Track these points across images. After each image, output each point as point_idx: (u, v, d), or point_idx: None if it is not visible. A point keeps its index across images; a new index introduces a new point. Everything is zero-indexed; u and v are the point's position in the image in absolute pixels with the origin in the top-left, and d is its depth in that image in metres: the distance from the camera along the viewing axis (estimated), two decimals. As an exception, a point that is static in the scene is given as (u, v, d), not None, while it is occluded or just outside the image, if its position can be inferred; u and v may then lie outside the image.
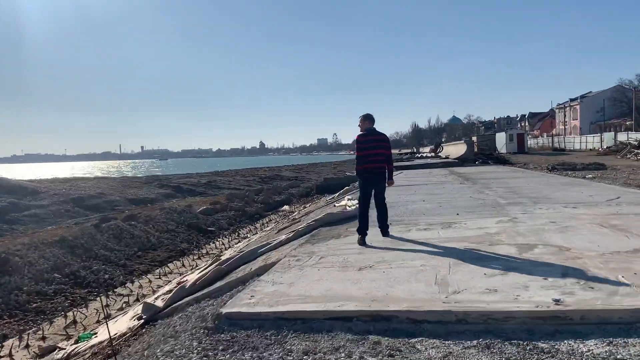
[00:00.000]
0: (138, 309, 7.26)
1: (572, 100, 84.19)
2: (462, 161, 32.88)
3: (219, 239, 16.46)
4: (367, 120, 7.19)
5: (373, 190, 7.29)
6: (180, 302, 6.46)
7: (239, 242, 15.30)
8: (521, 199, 11.00)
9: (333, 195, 20.25)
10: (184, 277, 10.36)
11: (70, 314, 8.80)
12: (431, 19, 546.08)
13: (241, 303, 4.42)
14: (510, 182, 15.95)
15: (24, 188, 26.01)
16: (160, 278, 11.22)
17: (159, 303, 6.81)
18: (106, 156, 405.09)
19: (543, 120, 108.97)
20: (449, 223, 8.10)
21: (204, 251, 14.38)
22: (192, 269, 11.93)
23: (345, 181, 29.34)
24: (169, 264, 12.76)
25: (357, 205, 7.75)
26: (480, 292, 4.16)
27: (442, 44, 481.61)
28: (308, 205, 23.75)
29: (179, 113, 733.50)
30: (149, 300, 7.48)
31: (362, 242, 6.87)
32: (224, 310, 4.26)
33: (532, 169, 26.11)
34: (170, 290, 7.93)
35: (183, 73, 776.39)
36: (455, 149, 41.13)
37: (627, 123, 66.98)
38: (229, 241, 15.74)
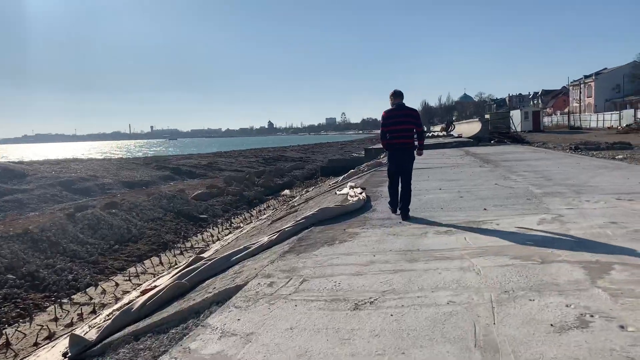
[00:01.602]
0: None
1: (586, 77, 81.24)
2: (476, 140, 30.90)
3: (210, 229, 14.82)
4: (395, 96, 7.06)
5: (399, 166, 7.25)
6: (117, 335, 4.81)
7: (230, 232, 13.64)
8: (558, 187, 9.17)
9: (337, 179, 18.50)
10: (153, 282, 8.72)
11: (10, 329, 7.20)
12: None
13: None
14: (537, 164, 14.07)
15: (9, 171, 24.48)
16: (130, 280, 9.59)
17: (93, 333, 5.16)
18: (116, 136, 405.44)
19: (556, 98, 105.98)
20: (477, 223, 6.32)
21: (189, 244, 12.74)
22: (169, 268, 10.30)
23: (351, 163, 27.59)
24: (146, 261, 11.14)
25: (361, 194, 7.92)
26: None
27: (453, 21, 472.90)
28: (311, 189, 22.05)
29: (188, 93, 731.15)
30: (79, 331, 5.81)
31: (395, 212, 7.34)
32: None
33: (554, 149, 24.12)
34: (121, 309, 6.28)
35: (192, 53, 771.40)
36: (469, 128, 39.05)
37: (647, 100, 64.16)
38: (219, 231, 14.07)
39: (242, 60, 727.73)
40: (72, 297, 8.70)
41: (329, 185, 18.20)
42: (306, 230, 6.76)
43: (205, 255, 10.40)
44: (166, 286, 5.79)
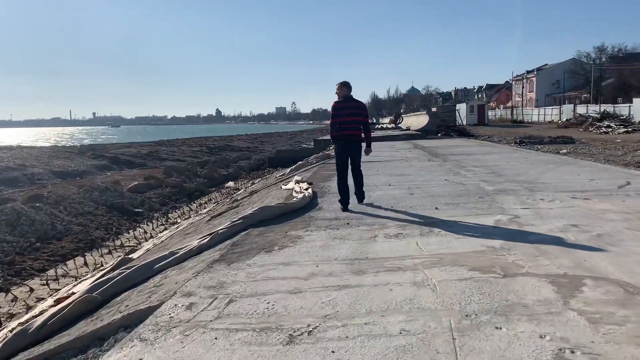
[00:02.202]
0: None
1: (528, 72, 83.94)
2: (424, 133, 30.90)
3: (144, 224, 13.79)
4: (345, 87, 7.04)
5: (349, 158, 7.19)
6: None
7: (166, 229, 12.68)
8: (510, 184, 8.83)
9: (285, 171, 17.79)
10: (72, 287, 7.77)
11: None
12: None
13: None
14: (485, 159, 13.87)
15: None
16: (47, 285, 8.56)
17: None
18: (55, 122, 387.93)
19: (500, 92, 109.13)
20: (429, 224, 5.79)
21: (120, 241, 11.71)
22: (94, 270, 9.31)
23: (300, 154, 26.92)
24: (69, 262, 10.07)
25: (307, 190, 7.56)
26: None
27: (402, 14, 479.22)
28: (257, 181, 21.24)
29: (132, 78, 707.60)
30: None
31: (345, 210, 7.01)
32: None
33: (500, 143, 24.33)
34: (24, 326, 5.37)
35: (138, 38, 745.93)
36: (416, 120, 39.17)
37: (584, 96, 66.79)
38: (154, 227, 13.08)
39: (190, 47, 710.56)
40: (-25, 306, 7.62)
41: (276, 177, 17.47)
42: (243, 233, 6.03)
43: (134, 255, 9.48)
44: (74, 300, 4.95)
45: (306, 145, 31.56)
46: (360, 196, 7.37)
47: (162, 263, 5.43)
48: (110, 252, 10.69)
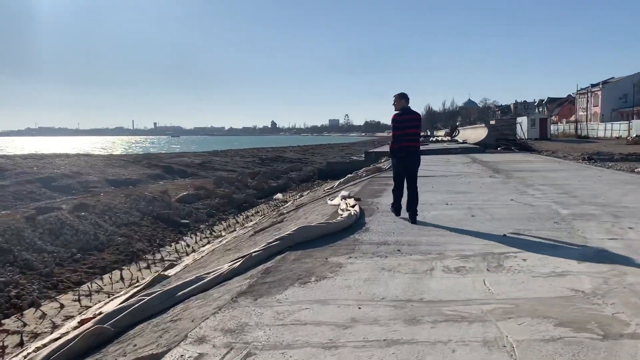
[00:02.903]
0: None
1: (593, 85, 79.81)
2: (482, 147, 29.45)
3: (188, 236, 13.40)
4: (403, 98, 6.99)
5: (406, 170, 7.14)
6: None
7: (209, 242, 12.19)
8: (587, 207, 7.72)
9: (333, 184, 17.08)
10: (102, 305, 7.29)
11: None
12: (447, 1, 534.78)
13: None
14: (553, 177, 12.62)
15: (-13, 165, 23.12)
16: (79, 301, 8.16)
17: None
18: (119, 131, 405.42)
19: (562, 106, 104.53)
20: (497, 256, 4.88)
21: (161, 254, 11.30)
22: (128, 286, 8.87)
23: (350, 166, 26.20)
24: (106, 275, 9.71)
25: (354, 208, 7.43)
26: None
27: (458, 26, 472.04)
28: (306, 193, 20.63)
29: (192, 90, 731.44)
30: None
31: (398, 215, 7.28)
32: None
33: (565, 159, 22.68)
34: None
35: (198, 51, 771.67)
36: (474, 133, 37.59)
37: (657, 111, 62.60)
38: (197, 240, 12.63)
39: (248, 60, 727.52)
40: (3, 321, 7.26)
41: (324, 190, 16.77)
42: (279, 257, 5.32)
43: (171, 272, 8.97)
44: (84, 331, 4.37)
45: (357, 158, 30.80)
46: (413, 216, 6.97)
47: (187, 290, 4.79)
48: (148, 267, 10.26)
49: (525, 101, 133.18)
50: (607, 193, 9.28)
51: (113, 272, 9.87)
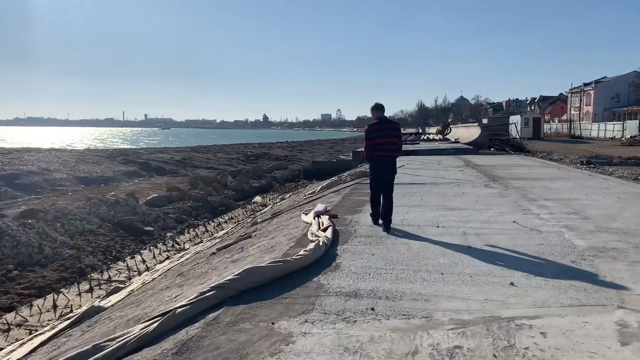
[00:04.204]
0: None
1: (585, 85, 78.97)
2: (475, 147, 28.18)
3: (148, 248, 11.98)
4: (376, 109, 7.14)
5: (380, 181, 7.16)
6: None
7: (168, 257, 10.78)
8: (606, 235, 6.40)
9: (315, 188, 15.72)
10: (11, 351, 5.87)
11: None
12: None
13: None
14: (556, 187, 11.33)
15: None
16: (7, 331, 6.75)
17: None
18: (109, 122, 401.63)
19: (554, 105, 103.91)
20: (504, 324, 3.53)
21: (112, 272, 9.88)
22: (59, 317, 7.45)
23: (337, 166, 24.85)
24: (40, 300, 8.28)
25: (325, 233, 6.47)
26: None
27: (451, 22, 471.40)
28: (287, 196, 19.25)
29: (183, 83, 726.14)
30: None
31: (376, 224, 7.22)
32: None
33: (562, 161, 21.48)
34: None
35: (190, 44, 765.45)
36: (466, 132, 36.32)
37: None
38: (155, 255, 11.19)
39: (240, 54, 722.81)
40: None
41: (305, 195, 15.41)
42: (211, 316, 3.95)
43: (110, 300, 7.58)
44: None
45: (344, 157, 29.43)
46: (387, 224, 7.00)
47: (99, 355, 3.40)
48: (91, 289, 8.84)
49: (517, 99, 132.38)
50: (623, 213, 7.97)
51: (49, 296, 8.45)
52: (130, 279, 9.33)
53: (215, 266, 7.10)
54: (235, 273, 4.53)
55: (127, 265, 10.22)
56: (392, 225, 7.00)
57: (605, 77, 79.74)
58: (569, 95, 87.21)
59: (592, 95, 77.27)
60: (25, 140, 74.74)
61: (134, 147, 52.11)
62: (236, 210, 17.67)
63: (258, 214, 15.40)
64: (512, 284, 4.48)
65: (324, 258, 5.49)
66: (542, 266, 5.02)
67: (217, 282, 4.40)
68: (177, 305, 4.12)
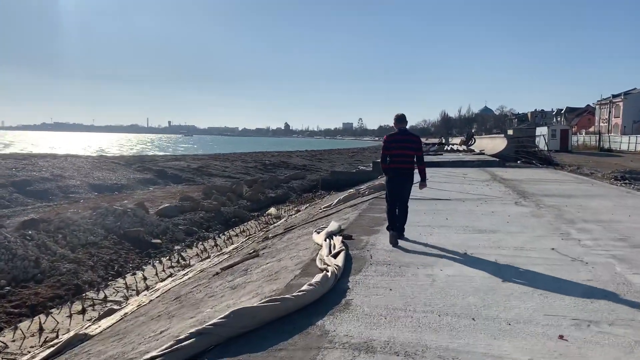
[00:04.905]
0: None
1: (614, 96, 76.78)
2: (501, 159, 27.07)
3: (151, 264, 11.32)
4: (397, 121, 7.13)
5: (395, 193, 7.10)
6: None
7: (171, 276, 10.07)
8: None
9: (332, 200, 14.94)
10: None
11: None
12: (466, 6, 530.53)
13: None
14: (594, 207, 10.33)
15: (-40, 165, 21.32)
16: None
17: None
18: (133, 129, 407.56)
19: (580, 116, 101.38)
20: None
21: (106, 292, 9.20)
22: (42, 343, 6.77)
23: (356, 177, 24.08)
24: (26, 322, 7.64)
25: (336, 260, 5.60)
26: None
27: (476, 32, 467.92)
28: (304, 208, 18.50)
29: (207, 89, 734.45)
30: None
31: (393, 242, 6.74)
32: None
33: (593, 176, 20.28)
34: None
35: (214, 52, 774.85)
36: (491, 143, 35.17)
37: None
38: (158, 272, 10.50)
39: (263, 62, 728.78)
40: None
41: (320, 209, 14.63)
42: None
43: (99, 327, 6.89)
44: None
45: (364, 167, 28.58)
46: (401, 232, 7.10)
47: None
48: (84, 310, 8.17)
49: (542, 110, 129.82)
50: (678, 240, 7.00)
51: (36, 318, 7.79)
52: (127, 299, 8.65)
53: (214, 292, 6.35)
54: (222, 315, 3.75)
55: (126, 283, 9.54)
56: (415, 249, 6.24)
57: (635, 88, 77.47)
58: (597, 106, 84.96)
59: (621, 107, 75.08)
60: (56, 145, 75.94)
61: (162, 153, 52.05)
62: (249, 222, 16.98)
63: (271, 227, 14.66)
64: (561, 337, 3.61)
65: (333, 292, 4.70)
66: (595, 312, 4.14)
67: (198, 328, 3.62)
68: (148, 357, 3.36)
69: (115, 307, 8.03)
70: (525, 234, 7.44)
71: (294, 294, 4.22)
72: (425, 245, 6.71)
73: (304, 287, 4.39)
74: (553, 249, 6.42)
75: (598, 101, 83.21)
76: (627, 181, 19.55)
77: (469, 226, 8.08)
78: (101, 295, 8.87)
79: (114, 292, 9.12)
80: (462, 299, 4.48)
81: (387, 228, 7.17)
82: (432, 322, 3.93)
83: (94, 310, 8.20)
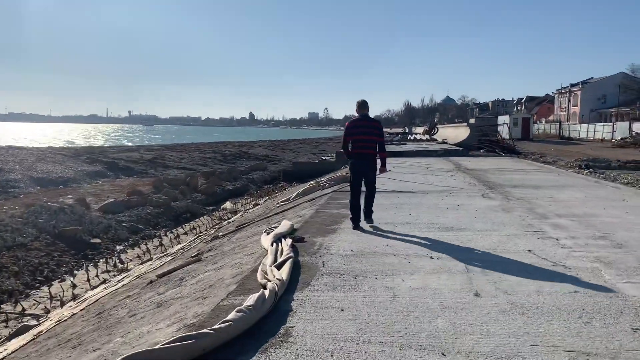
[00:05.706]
0: None
1: (572, 85, 78.43)
2: (464, 148, 26.66)
3: (88, 267, 10.16)
4: (360, 106, 7.10)
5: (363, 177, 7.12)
6: None
7: (104, 282, 8.96)
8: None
9: (290, 195, 14.00)
10: None
11: None
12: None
13: None
14: (566, 199, 9.74)
15: None
16: None
17: None
18: (92, 119, 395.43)
19: (540, 105, 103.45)
20: None
21: (26, 304, 8.04)
22: None
23: (319, 168, 23.18)
24: None
25: (278, 276, 4.51)
26: None
27: (438, 22, 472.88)
28: (262, 201, 17.49)
29: (168, 79, 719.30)
30: None
31: (356, 228, 6.91)
32: None
33: (556, 164, 20.00)
34: None
35: (175, 40, 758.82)
36: (454, 132, 34.85)
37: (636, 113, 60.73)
38: (90, 278, 9.33)
39: (227, 50, 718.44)
40: None
41: (277, 203, 13.67)
42: None
43: (8, 347, 5.80)
44: None
45: (327, 158, 27.75)
46: (368, 215, 7.14)
47: None
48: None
49: (503, 99, 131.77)
50: (660, 236, 6.37)
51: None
52: (48, 312, 7.51)
53: (137, 310, 5.35)
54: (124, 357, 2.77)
55: (51, 292, 8.38)
56: (374, 251, 5.43)
57: (592, 78, 79.26)
58: (556, 95, 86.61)
59: (579, 96, 76.71)
60: (16, 137, 72.10)
61: (109, 144, 49.92)
62: (202, 218, 15.88)
63: (224, 223, 13.63)
64: (557, 381, 2.79)
65: (272, 314, 3.78)
66: (591, 340, 3.34)
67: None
68: None
69: (33, 322, 6.92)
70: (497, 231, 6.69)
71: (215, 327, 3.27)
72: (385, 247, 5.86)
73: (231, 315, 3.44)
74: (529, 250, 5.67)
75: (557, 90, 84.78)
76: (591, 169, 19.35)
77: (434, 223, 7.28)
78: (19, 308, 7.71)
79: (34, 304, 7.96)
80: (428, 322, 3.62)
81: (351, 219, 7.07)
82: (398, 345, 3.06)
83: (6, 327, 7.05)
